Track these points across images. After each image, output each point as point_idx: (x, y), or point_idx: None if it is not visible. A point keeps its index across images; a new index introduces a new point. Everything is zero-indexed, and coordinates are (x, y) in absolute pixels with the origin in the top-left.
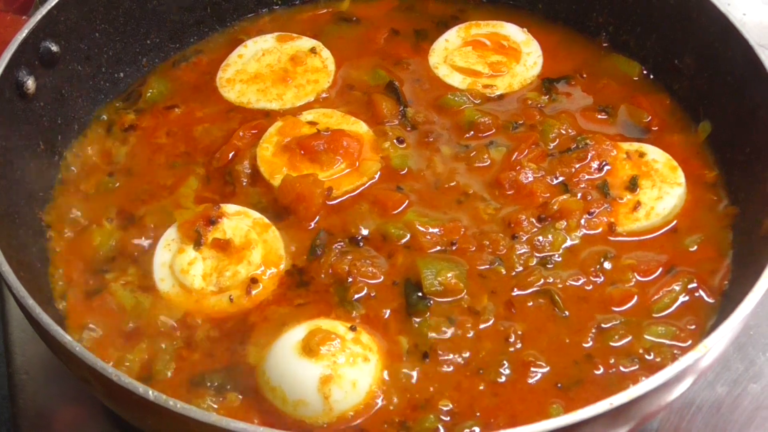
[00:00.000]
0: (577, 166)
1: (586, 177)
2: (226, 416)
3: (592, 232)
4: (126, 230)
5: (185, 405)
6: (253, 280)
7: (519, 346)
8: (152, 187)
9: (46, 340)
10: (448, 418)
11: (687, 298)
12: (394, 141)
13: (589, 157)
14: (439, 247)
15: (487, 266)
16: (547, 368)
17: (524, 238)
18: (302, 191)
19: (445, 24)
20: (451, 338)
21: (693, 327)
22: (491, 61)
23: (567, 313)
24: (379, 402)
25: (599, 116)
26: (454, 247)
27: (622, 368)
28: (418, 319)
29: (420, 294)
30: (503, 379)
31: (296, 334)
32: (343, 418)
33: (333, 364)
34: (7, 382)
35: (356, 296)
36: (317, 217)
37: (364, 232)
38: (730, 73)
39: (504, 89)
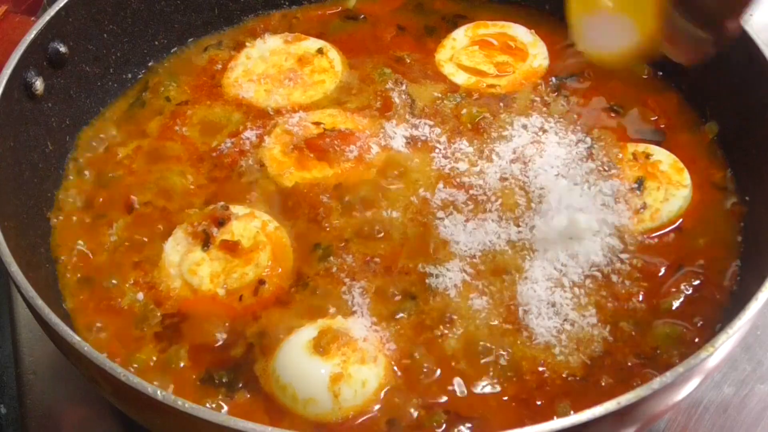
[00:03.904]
0: (583, 165)
1: (593, 177)
2: (235, 416)
3: (597, 232)
4: (134, 230)
5: (193, 405)
6: (261, 282)
7: (524, 343)
8: (160, 187)
9: (54, 340)
10: (455, 415)
11: (695, 297)
12: (402, 137)
13: (595, 157)
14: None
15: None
16: (554, 366)
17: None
18: (313, 202)
19: (453, 23)
20: (456, 336)
21: (700, 326)
22: (497, 61)
23: (569, 315)
24: (387, 400)
25: (607, 115)
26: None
27: (629, 367)
28: (423, 318)
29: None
30: (509, 376)
31: (307, 333)
32: (350, 416)
33: (343, 363)
34: (15, 382)
35: (362, 296)
36: (325, 221)
37: (372, 231)
38: (737, 73)
39: (509, 89)
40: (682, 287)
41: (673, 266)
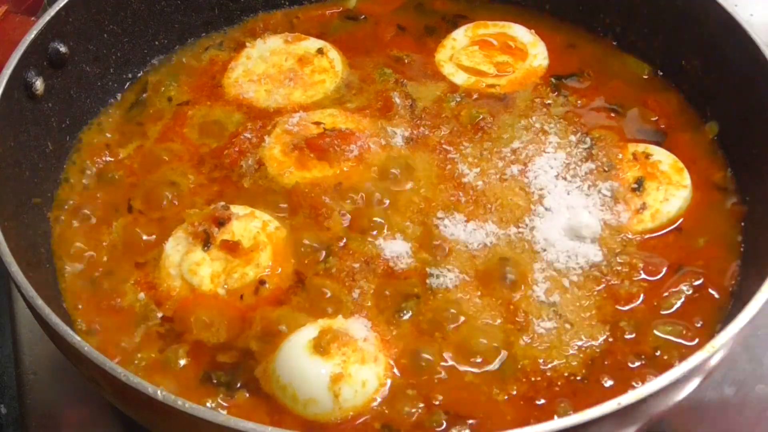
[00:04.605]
0: (583, 166)
1: (593, 177)
2: (235, 416)
3: (597, 232)
4: (134, 230)
5: (193, 405)
6: (261, 282)
7: (525, 343)
8: (160, 187)
9: (54, 340)
10: (455, 415)
11: (695, 297)
12: (402, 137)
13: (595, 158)
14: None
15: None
16: (554, 366)
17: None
18: (313, 201)
19: (453, 23)
20: (456, 336)
21: (700, 326)
22: (497, 61)
23: (569, 316)
24: (387, 400)
25: (607, 116)
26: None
27: (629, 367)
28: (423, 318)
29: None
30: (510, 376)
31: (307, 333)
32: (350, 416)
33: (343, 363)
34: (15, 382)
35: (362, 296)
36: (326, 221)
37: (372, 232)
38: (738, 73)
39: (509, 89)
40: (682, 287)
41: (673, 266)
